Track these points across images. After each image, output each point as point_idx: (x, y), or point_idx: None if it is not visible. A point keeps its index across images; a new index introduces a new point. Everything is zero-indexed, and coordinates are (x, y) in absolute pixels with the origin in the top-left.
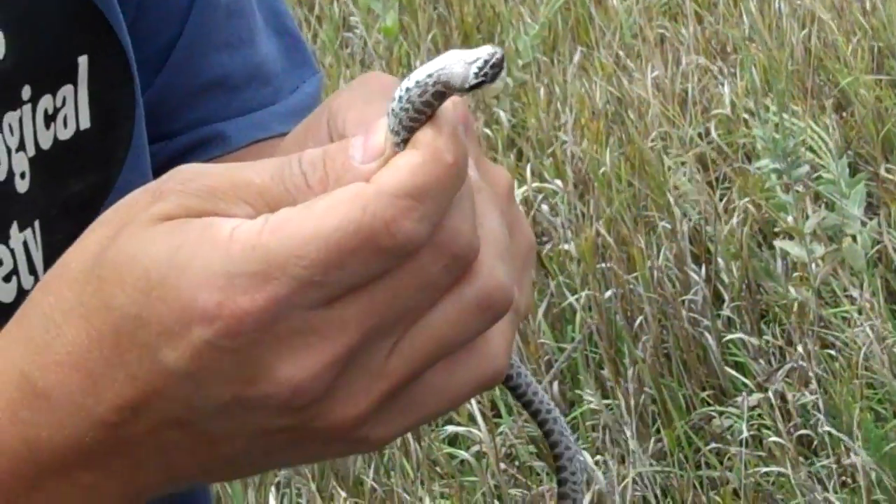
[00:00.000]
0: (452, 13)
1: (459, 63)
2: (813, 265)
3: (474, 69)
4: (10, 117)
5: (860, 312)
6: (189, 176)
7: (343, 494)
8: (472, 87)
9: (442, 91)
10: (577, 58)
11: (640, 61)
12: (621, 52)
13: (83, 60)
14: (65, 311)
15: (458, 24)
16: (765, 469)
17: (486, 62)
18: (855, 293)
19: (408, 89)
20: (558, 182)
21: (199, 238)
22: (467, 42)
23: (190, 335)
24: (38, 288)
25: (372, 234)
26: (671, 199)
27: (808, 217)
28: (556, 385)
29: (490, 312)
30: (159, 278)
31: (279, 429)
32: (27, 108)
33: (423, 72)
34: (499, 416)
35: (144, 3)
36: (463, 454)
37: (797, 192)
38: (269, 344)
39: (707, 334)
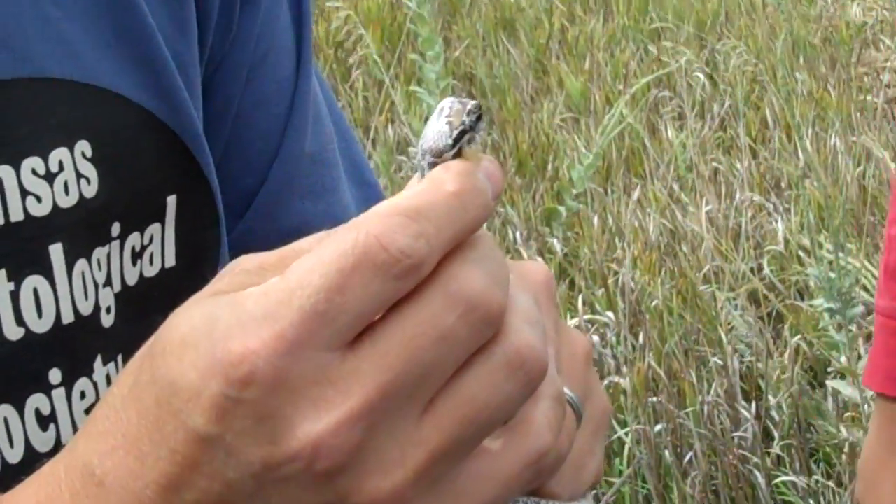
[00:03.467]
0: (507, 139)
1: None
2: (865, 406)
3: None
4: (99, 253)
5: None
6: (244, 258)
7: None
8: (456, 141)
9: (434, 160)
10: (636, 194)
11: (694, 194)
12: (675, 185)
13: (172, 200)
14: (123, 396)
15: (511, 151)
16: None
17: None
18: None
19: (419, 155)
20: (610, 314)
21: (228, 303)
22: (521, 170)
23: (211, 391)
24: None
25: (366, 250)
26: (723, 335)
27: (860, 357)
28: None
29: (522, 373)
30: (193, 343)
31: None
32: (115, 244)
33: (419, 145)
34: None
35: (230, 147)
36: None
37: (850, 331)
38: (286, 395)
39: (756, 472)
